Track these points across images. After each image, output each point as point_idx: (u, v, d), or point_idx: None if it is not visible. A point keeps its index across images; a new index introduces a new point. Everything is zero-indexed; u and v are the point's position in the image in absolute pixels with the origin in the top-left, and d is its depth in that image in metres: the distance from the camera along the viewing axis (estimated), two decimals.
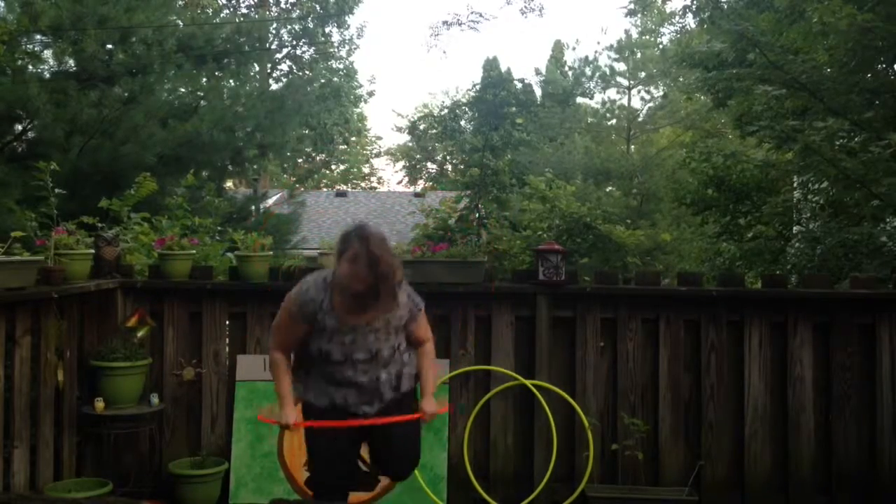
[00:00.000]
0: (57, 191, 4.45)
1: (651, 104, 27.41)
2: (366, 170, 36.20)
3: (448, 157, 31.99)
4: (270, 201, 15.05)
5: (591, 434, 4.30)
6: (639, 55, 26.53)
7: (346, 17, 25.34)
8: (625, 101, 27.39)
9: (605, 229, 12.03)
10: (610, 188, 18.42)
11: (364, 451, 3.23)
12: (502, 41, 53.57)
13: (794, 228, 9.33)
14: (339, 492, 3.05)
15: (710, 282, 5.68)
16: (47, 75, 8.70)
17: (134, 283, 4.47)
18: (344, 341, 2.88)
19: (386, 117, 73.77)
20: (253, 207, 11.81)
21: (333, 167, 33.73)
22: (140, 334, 4.36)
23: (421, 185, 32.02)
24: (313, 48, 24.76)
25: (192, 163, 8.99)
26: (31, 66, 8.49)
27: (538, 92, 29.61)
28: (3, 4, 8.66)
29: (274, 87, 20.98)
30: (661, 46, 25.72)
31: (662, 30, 25.46)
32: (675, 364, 4.38)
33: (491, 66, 29.07)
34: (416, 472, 4.05)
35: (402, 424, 3.02)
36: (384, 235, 2.80)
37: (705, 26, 11.08)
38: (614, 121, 27.18)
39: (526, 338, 4.44)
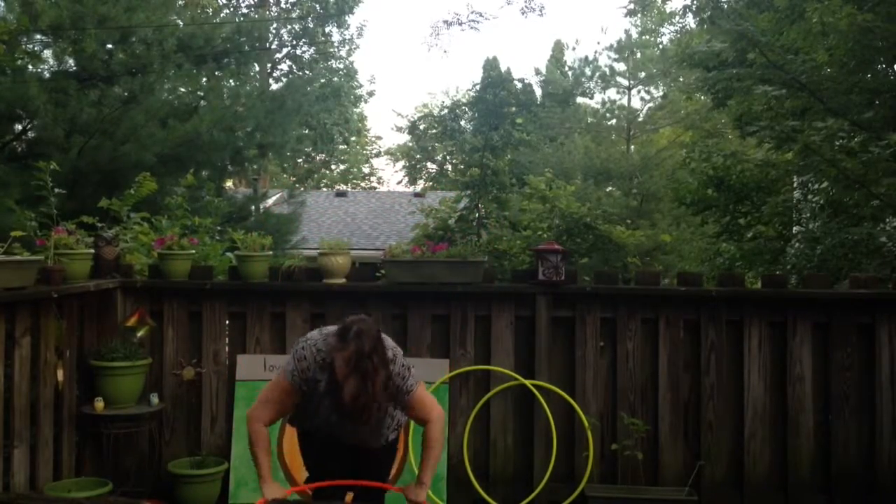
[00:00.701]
0: (57, 190, 4.45)
1: (651, 104, 27.41)
2: (366, 170, 36.21)
3: (448, 157, 31.98)
4: (270, 201, 15.05)
5: (590, 434, 4.30)
6: (639, 55, 26.52)
7: (346, 17, 25.35)
8: (625, 101, 27.39)
9: (605, 229, 12.04)
10: (610, 188, 18.42)
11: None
12: (502, 41, 53.56)
13: (794, 228, 9.33)
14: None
15: (710, 282, 5.69)
16: (47, 75, 8.70)
17: (134, 283, 4.47)
18: (332, 428, 2.87)
19: (386, 117, 73.76)
20: (253, 207, 11.81)
21: (333, 167, 33.73)
22: (140, 334, 4.36)
23: (421, 185, 32.00)
24: (313, 48, 24.76)
25: (192, 163, 8.99)
26: (31, 66, 8.49)
27: (538, 92, 29.60)
28: (3, 4, 8.66)
29: (274, 87, 20.98)
30: (661, 46, 25.72)
31: (662, 30, 25.47)
32: (674, 364, 4.38)
33: (491, 66, 29.07)
34: (415, 472, 4.06)
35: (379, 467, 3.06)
36: (376, 342, 2.65)
37: (705, 26, 11.07)
38: (614, 121, 27.17)
39: (526, 338, 4.44)
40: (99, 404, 4.15)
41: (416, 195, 22.60)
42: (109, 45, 8.94)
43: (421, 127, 33.19)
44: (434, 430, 2.92)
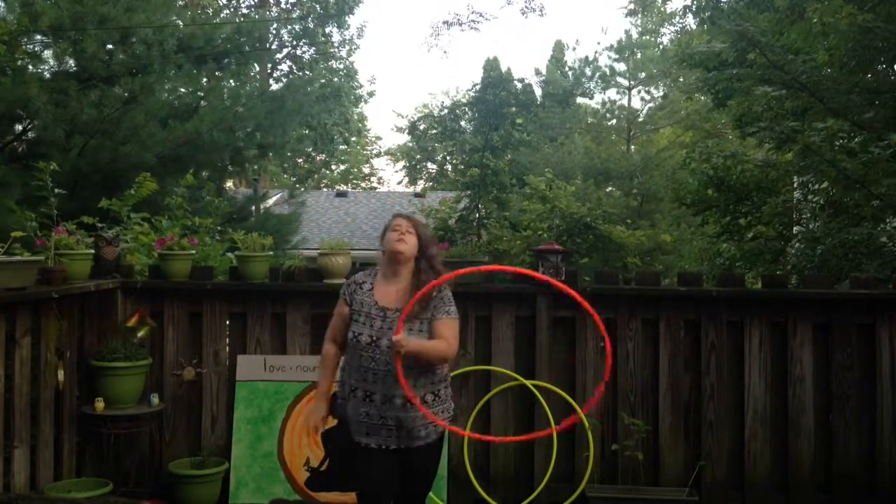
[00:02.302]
0: (57, 191, 4.45)
1: (651, 104, 27.44)
2: (366, 170, 36.20)
3: (448, 158, 31.96)
4: (271, 201, 15.07)
5: (591, 434, 4.30)
6: (639, 55, 26.55)
7: (346, 18, 25.33)
8: (625, 102, 27.43)
9: (605, 229, 12.04)
10: (610, 188, 18.43)
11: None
12: (502, 41, 53.57)
13: (794, 229, 9.33)
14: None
15: (710, 282, 5.69)
16: (47, 75, 8.70)
17: (134, 284, 4.47)
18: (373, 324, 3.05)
19: (386, 117, 73.79)
20: (253, 208, 11.81)
21: (333, 167, 33.72)
22: (140, 334, 4.36)
23: (421, 185, 31.99)
24: (313, 48, 24.74)
25: (192, 163, 8.98)
26: (31, 66, 8.49)
27: (538, 92, 29.60)
28: (3, 4, 8.66)
29: (274, 87, 20.97)
30: (661, 46, 25.73)
31: (662, 30, 25.50)
32: (675, 364, 4.38)
33: (491, 66, 29.05)
34: None
35: (425, 459, 3.09)
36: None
37: (705, 26, 11.09)
38: (614, 121, 27.21)
39: (526, 338, 4.44)
40: (99, 405, 4.15)
41: (417, 195, 22.60)
42: (110, 46, 8.94)
43: (421, 127, 33.17)
44: (445, 343, 3.01)
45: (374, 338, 3.01)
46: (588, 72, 28.64)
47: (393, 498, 3.08)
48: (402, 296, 3.04)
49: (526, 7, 16.92)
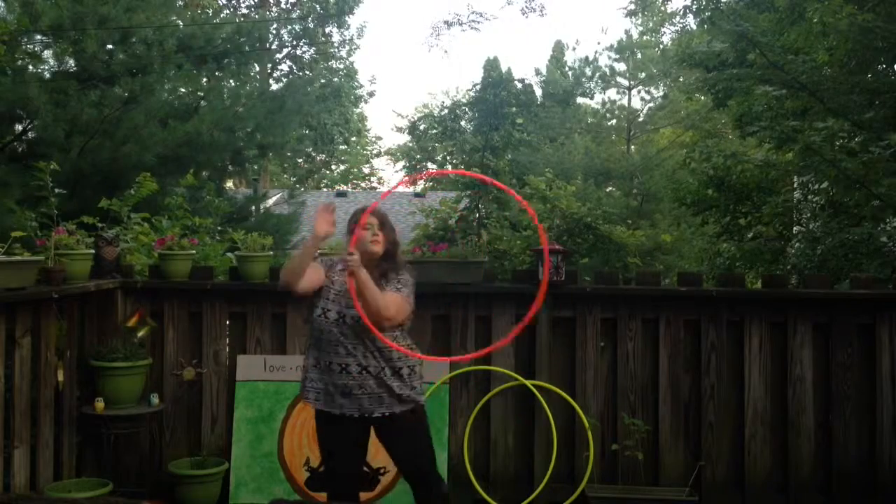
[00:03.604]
0: (57, 191, 4.45)
1: (651, 104, 27.42)
2: (366, 170, 36.18)
3: (448, 158, 31.95)
4: (271, 201, 15.06)
5: (591, 434, 4.30)
6: (639, 55, 26.54)
7: (346, 18, 25.34)
8: (625, 102, 27.42)
9: (605, 229, 12.03)
10: (610, 188, 18.42)
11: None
12: (502, 41, 53.54)
13: (794, 229, 9.33)
14: (349, 484, 3.26)
15: (711, 282, 5.69)
16: (47, 75, 8.70)
17: (134, 284, 4.47)
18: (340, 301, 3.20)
19: (386, 117, 73.77)
20: (253, 207, 11.81)
21: (333, 167, 33.71)
22: (140, 334, 4.36)
23: (421, 185, 32.00)
24: (313, 48, 24.73)
25: (192, 163, 8.99)
26: (31, 66, 8.49)
27: (538, 92, 29.59)
28: (3, 4, 8.66)
29: (274, 87, 20.96)
30: (661, 47, 25.72)
31: (663, 30, 25.47)
32: (675, 364, 4.38)
33: (491, 66, 29.04)
34: None
35: (403, 419, 3.19)
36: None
37: (705, 26, 11.07)
38: (614, 121, 27.20)
39: (526, 338, 4.43)
40: (99, 405, 4.15)
41: (417, 195, 22.59)
42: (110, 46, 8.93)
43: (421, 127, 33.17)
44: (383, 298, 3.10)
45: (341, 314, 3.17)
46: (588, 72, 28.63)
47: (360, 465, 3.31)
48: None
49: (526, 7, 16.87)
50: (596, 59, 28.45)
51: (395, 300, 3.16)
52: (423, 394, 3.34)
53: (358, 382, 3.15)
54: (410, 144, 34.21)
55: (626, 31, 28.11)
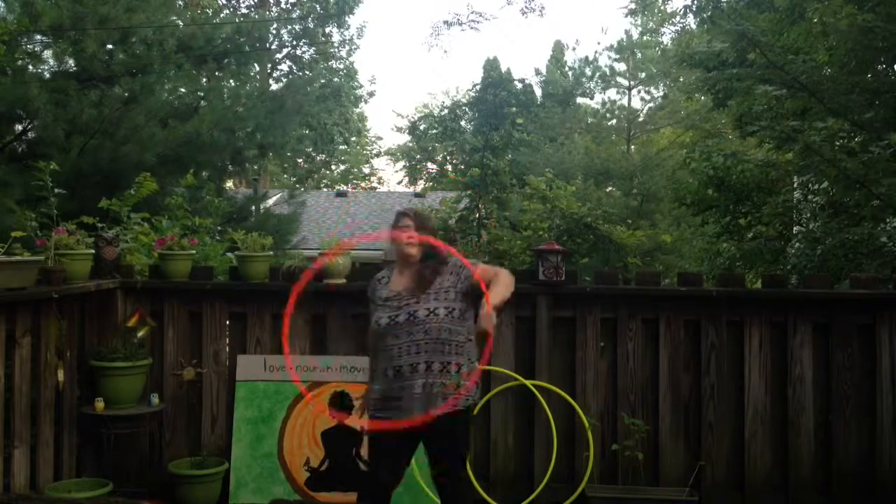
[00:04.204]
0: (57, 191, 4.44)
1: (651, 104, 27.45)
2: (366, 170, 36.20)
3: (448, 157, 31.96)
4: (271, 201, 15.05)
5: (591, 434, 4.30)
6: (639, 55, 26.56)
7: (346, 17, 25.34)
8: (625, 102, 27.44)
9: (605, 230, 12.02)
10: (610, 188, 18.42)
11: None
12: (502, 41, 53.57)
13: (794, 229, 9.33)
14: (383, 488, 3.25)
15: (711, 282, 5.69)
16: (47, 75, 8.69)
17: (134, 284, 4.47)
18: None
19: (386, 117, 73.78)
20: (253, 208, 11.80)
21: (333, 167, 33.72)
22: (140, 334, 4.36)
23: (421, 185, 31.99)
24: (313, 48, 24.74)
25: (192, 163, 8.98)
26: (31, 66, 8.49)
27: (538, 92, 29.60)
28: (3, 4, 8.66)
29: (274, 87, 20.98)
30: (661, 47, 25.73)
31: (663, 30, 25.47)
32: (675, 364, 4.38)
33: (491, 66, 29.05)
34: (416, 472, 4.07)
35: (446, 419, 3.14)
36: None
37: (706, 26, 11.09)
38: (614, 121, 27.21)
39: (526, 338, 4.44)
40: (99, 405, 4.15)
41: (417, 195, 22.59)
42: (110, 46, 8.93)
43: (421, 127, 33.17)
44: (504, 274, 3.24)
45: (392, 318, 3.18)
46: (588, 72, 28.65)
47: (401, 476, 3.28)
48: (413, 279, 3.24)
49: (526, 7, 16.85)
50: (596, 59, 28.49)
51: (492, 267, 3.31)
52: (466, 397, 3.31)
53: (403, 385, 3.18)
54: (410, 144, 34.21)
55: (626, 32, 28.11)
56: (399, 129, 34.69)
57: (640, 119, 26.12)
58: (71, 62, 8.85)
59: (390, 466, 3.22)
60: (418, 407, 3.09)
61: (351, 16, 25.83)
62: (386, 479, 3.22)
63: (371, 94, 33.59)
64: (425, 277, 3.20)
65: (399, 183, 36.65)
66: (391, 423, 3.12)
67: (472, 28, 17.94)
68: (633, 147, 23.98)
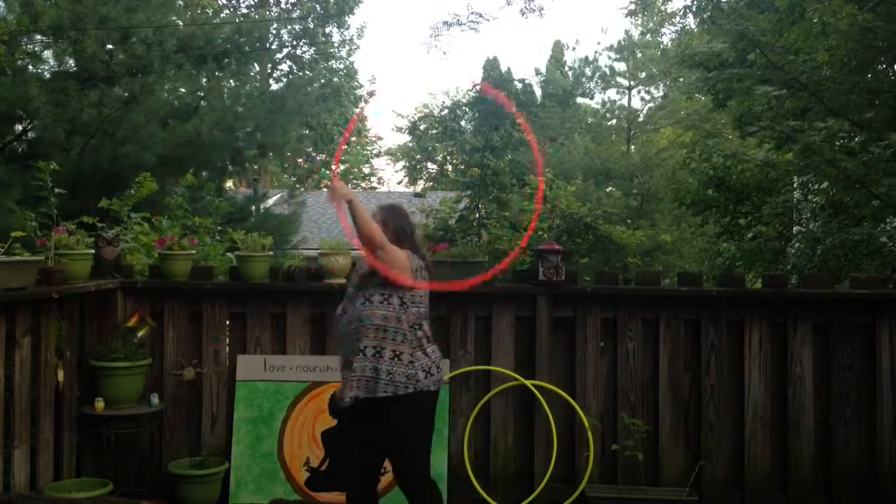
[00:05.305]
0: (57, 191, 4.45)
1: (651, 104, 27.46)
2: (366, 170, 36.19)
3: (448, 158, 31.95)
4: (271, 201, 15.05)
5: (591, 434, 4.30)
6: (639, 55, 26.57)
7: (347, 18, 25.35)
8: (625, 102, 27.45)
9: (605, 230, 12.00)
10: (610, 188, 18.42)
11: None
12: (502, 41, 53.55)
13: (794, 229, 9.33)
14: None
15: (710, 282, 5.68)
16: (47, 75, 8.70)
17: (134, 284, 4.47)
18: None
19: (386, 117, 73.77)
20: (253, 208, 11.79)
21: (334, 167, 33.69)
22: (140, 334, 4.36)
23: (421, 185, 31.98)
24: (313, 48, 24.74)
25: (192, 163, 8.96)
26: (31, 66, 8.49)
27: (538, 92, 29.60)
28: (3, 4, 8.65)
29: (274, 87, 20.98)
30: (661, 47, 25.73)
31: (663, 30, 25.48)
32: (675, 364, 4.38)
33: (491, 66, 29.05)
34: None
35: (397, 413, 3.24)
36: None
37: (706, 27, 11.08)
38: (614, 121, 27.22)
39: (526, 338, 4.44)
40: (99, 405, 4.14)
41: (417, 195, 22.54)
42: (109, 46, 8.93)
43: (421, 127, 33.18)
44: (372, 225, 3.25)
45: (343, 307, 3.41)
46: (588, 72, 28.66)
47: (370, 460, 3.41)
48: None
49: (525, 8, 16.82)
50: (596, 59, 28.51)
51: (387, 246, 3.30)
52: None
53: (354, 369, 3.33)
54: (410, 144, 34.21)
55: (626, 32, 28.12)
56: (399, 129, 34.71)
57: (640, 119, 26.14)
58: (71, 62, 8.85)
59: (355, 450, 3.42)
60: (360, 390, 3.27)
61: (351, 16, 25.85)
62: (358, 465, 3.40)
63: (371, 94, 33.61)
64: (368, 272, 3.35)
65: (399, 183, 36.66)
66: (343, 406, 3.33)
67: (471, 29, 17.91)
68: (633, 147, 23.99)
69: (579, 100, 28.93)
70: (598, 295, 4.39)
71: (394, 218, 3.46)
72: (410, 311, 3.30)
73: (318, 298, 4.48)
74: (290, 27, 22.97)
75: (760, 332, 4.33)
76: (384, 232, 3.29)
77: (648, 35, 26.98)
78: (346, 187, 3.22)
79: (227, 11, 23.42)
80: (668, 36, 24.66)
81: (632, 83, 26.96)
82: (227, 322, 4.57)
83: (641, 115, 26.60)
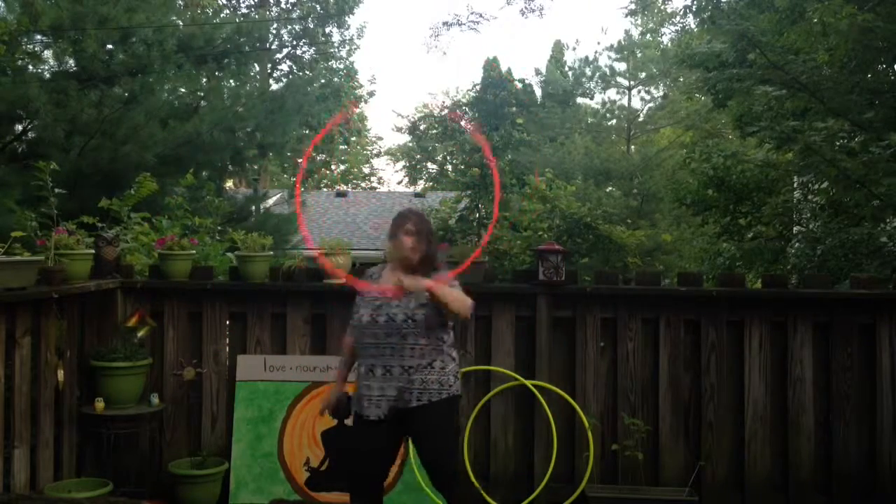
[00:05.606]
0: (57, 191, 4.44)
1: (651, 104, 27.43)
2: (366, 170, 36.19)
3: (448, 158, 31.94)
4: (271, 201, 15.04)
5: (591, 434, 4.30)
6: (639, 55, 26.53)
7: (346, 18, 25.32)
8: (625, 102, 27.42)
9: (605, 230, 12.02)
10: (610, 188, 18.40)
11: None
12: (502, 41, 53.52)
13: (794, 229, 9.33)
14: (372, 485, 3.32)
15: (711, 282, 5.69)
16: (47, 75, 8.71)
17: (134, 284, 4.47)
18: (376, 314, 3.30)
19: (386, 117, 73.79)
20: (253, 208, 11.80)
21: (333, 167, 33.71)
22: (140, 334, 4.36)
23: (421, 185, 31.99)
24: (313, 48, 24.73)
25: (192, 163, 8.98)
26: (31, 66, 8.50)
27: (538, 92, 29.58)
28: (3, 4, 8.66)
29: (274, 87, 20.98)
30: (661, 47, 25.71)
31: (663, 30, 25.47)
32: (675, 364, 4.38)
33: (491, 66, 29.03)
34: (415, 472, 4.07)
35: (431, 419, 3.22)
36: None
37: (706, 26, 11.08)
38: (614, 121, 27.20)
39: (526, 338, 4.44)
40: (99, 405, 4.14)
41: (417, 195, 22.61)
42: (110, 46, 8.94)
43: (421, 127, 33.17)
44: (465, 295, 3.24)
45: (373, 316, 3.25)
46: (588, 72, 28.61)
47: (385, 471, 3.36)
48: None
49: (525, 8, 16.80)
50: (596, 59, 28.44)
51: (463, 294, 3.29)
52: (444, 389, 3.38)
53: (380, 385, 3.25)
54: (410, 144, 34.21)
55: (626, 32, 28.09)
56: (399, 130, 34.70)
57: (640, 119, 26.12)
58: (71, 62, 8.86)
59: (373, 463, 3.30)
60: (390, 405, 3.20)
61: (351, 16, 25.82)
62: (371, 476, 3.31)
63: (371, 94, 33.60)
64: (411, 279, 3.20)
65: (399, 183, 36.67)
66: (367, 419, 3.24)
67: (471, 29, 17.89)
68: (633, 147, 23.97)
69: (579, 100, 28.88)
70: (598, 295, 4.39)
71: (427, 227, 3.41)
72: (447, 324, 3.34)
73: (318, 298, 4.48)
74: (290, 27, 22.97)
75: (760, 332, 4.33)
76: (420, 242, 3.29)
77: (648, 35, 26.95)
78: (417, 281, 3.10)
79: (227, 11, 23.41)
80: (668, 36, 24.66)
81: (632, 83, 26.92)
82: (227, 322, 4.57)
83: (641, 115, 26.57)
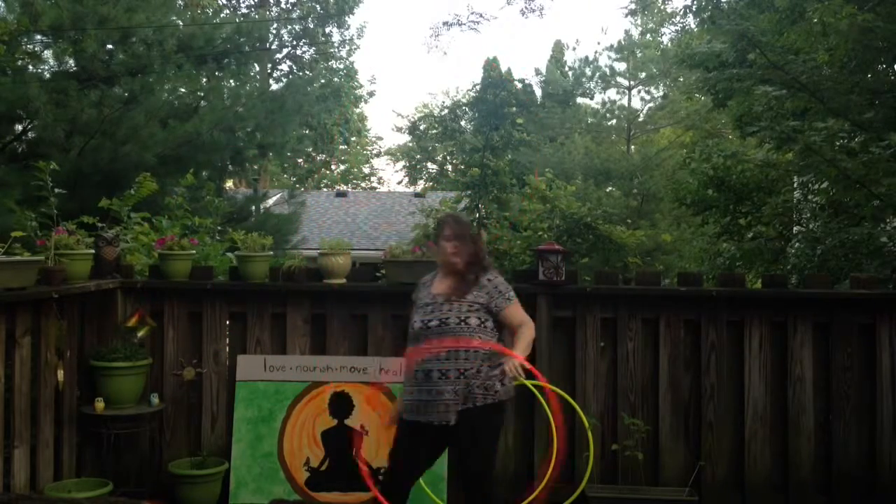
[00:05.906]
0: (57, 191, 4.45)
1: (651, 104, 27.44)
2: (366, 170, 36.19)
3: (448, 158, 31.95)
4: (271, 201, 15.05)
5: (591, 434, 4.29)
6: (639, 55, 26.53)
7: (346, 18, 25.34)
8: (625, 102, 27.42)
9: (605, 229, 12.01)
10: (610, 188, 18.40)
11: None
12: (502, 41, 53.54)
13: (794, 229, 9.32)
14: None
15: (711, 282, 5.68)
16: (47, 75, 8.70)
17: (134, 284, 4.47)
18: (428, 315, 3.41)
19: (386, 117, 73.78)
20: (253, 207, 11.80)
21: (333, 167, 33.72)
22: (140, 334, 4.36)
23: (421, 185, 31.99)
24: (313, 48, 24.74)
25: (192, 163, 8.97)
26: (31, 66, 8.49)
27: (538, 92, 29.57)
28: (3, 4, 8.66)
29: (274, 87, 20.96)
30: (661, 47, 25.71)
31: (663, 30, 25.47)
32: (675, 364, 4.38)
33: (491, 66, 29.02)
34: None
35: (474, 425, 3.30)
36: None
37: (706, 26, 11.08)
38: (614, 121, 27.18)
39: None
40: (99, 405, 4.14)
41: (417, 195, 22.59)
42: (110, 46, 8.94)
43: (421, 127, 33.17)
44: (527, 328, 3.42)
45: (425, 322, 3.36)
46: (588, 72, 28.61)
47: (418, 474, 3.48)
48: (452, 285, 3.41)
49: (525, 8, 16.80)
50: (596, 59, 28.44)
51: (522, 315, 3.49)
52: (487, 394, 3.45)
53: (426, 388, 3.34)
54: (410, 144, 34.21)
55: (626, 31, 28.09)
56: (399, 130, 34.70)
57: (640, 119, 26.11)
58: (71, 62, 8.86)
59: (408, 465, 3.38)
60: (445, 410, 3.26)
61: (351, 16, 25.84)
62: (403, 477, 3.38)
63: (371, 94, 33.61)
64: (462, 287, 3.36)
65: (399, 183, 36.67)
66: (417, 424, 3.33)
67: (471, 29, 17.90)
68: (633, 147, 23.97)
69: (579, 100, 28.88)
70: (598, 295, 4.39)
71: (466, 230, 3.51)
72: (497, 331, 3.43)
73: (318, 298, 4.47)
74: (290, 27, 22.97)
75: (760, 332, 4.33)
76: (461, 246, 3.40)
77: (648, 35, 26.95)
78: (516, 366, 3.21)
79: (227, 11, 23.40)
80: (668, 36, 24.66)
81: (632, 83, 26.93)
82: (227, 322, 4.57)
83: (641, 115, 26.57)
